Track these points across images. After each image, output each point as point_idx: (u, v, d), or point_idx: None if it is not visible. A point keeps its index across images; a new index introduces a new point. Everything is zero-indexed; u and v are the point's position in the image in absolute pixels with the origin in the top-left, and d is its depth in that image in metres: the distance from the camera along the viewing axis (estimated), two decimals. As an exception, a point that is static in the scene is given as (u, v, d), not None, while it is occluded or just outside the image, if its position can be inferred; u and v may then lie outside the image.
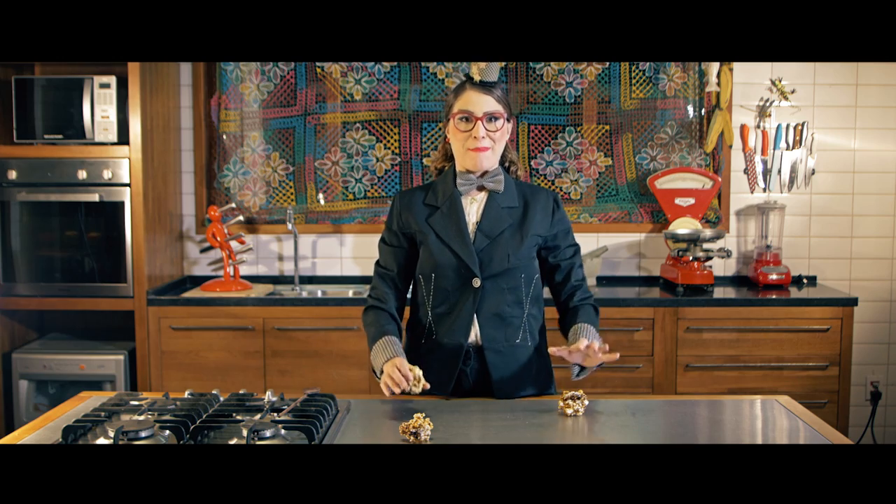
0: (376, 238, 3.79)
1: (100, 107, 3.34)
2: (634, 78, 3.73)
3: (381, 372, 1.91)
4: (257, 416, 1.71)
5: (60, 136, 3.36)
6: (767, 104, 3.72)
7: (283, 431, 1.60)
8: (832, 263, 3.80)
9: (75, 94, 3.34)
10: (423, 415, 1.68)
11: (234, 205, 3.75)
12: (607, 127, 3.75)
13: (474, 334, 1.99)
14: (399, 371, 1.84)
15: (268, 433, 1.57)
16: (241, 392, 1.90)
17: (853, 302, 3.31)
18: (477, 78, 1.94)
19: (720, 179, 3.69)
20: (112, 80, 3.34)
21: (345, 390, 3.21)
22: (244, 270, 3.83)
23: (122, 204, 3.35)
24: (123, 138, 3.37)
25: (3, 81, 3.46)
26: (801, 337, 3.31)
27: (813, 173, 3.76)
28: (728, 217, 3.79)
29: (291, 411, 1.72)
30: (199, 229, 3.82)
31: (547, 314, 2.11)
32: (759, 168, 3.77)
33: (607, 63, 3.72)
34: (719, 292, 3.49)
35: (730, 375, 3.32)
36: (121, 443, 1.53)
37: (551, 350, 1.89)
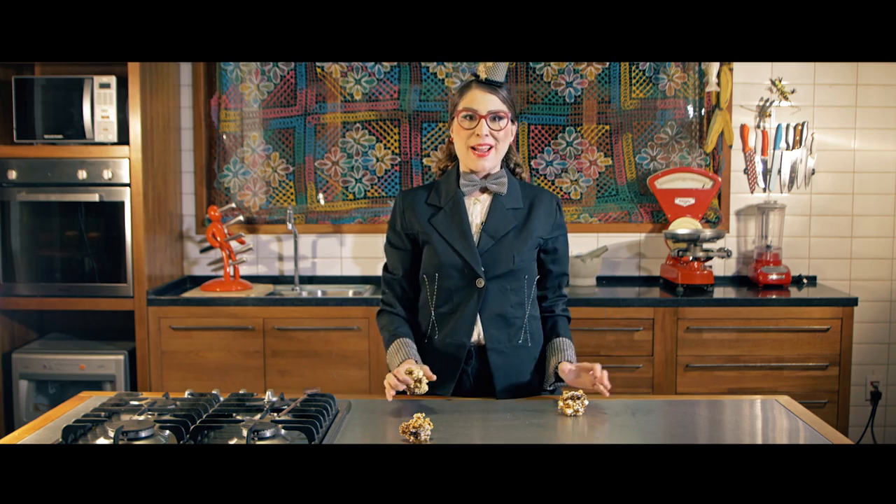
0: (376, 238, 3.81)
1: (100, 107, 3.34)
2: (634, 78, 3.73)
3: None
4: (257, 416, 1.71)
5: (60, 136, 3.36)
6: (767, 104, 3.72)
7: (283, 431, 1.60)
8: (832, 263, 3.80)
9: (75, 94, 3.34)
10: (423, 415, 1.68)
11: (234, 205, 3.75)
12: (607, 127, 3.75)
13: (477, 334, 1.99)
14: (396, 378, 1.85)
15: (268, 433, 1.57)
16: (241, 392, 1.90)
17: (853, 302, 3.31)
18: (483, 76, 1.94)
19: (720, 179, 3.69)
20: (112, 80, 3.34)
21: (345, 390, 3.21)
22: (244, 270, 3.83)
23: (122, 204, 3.35)
24: (123, 138, 3.37)
25: (3, 81, 3.46)
26: (801, 337, 3.31)
27: (813, 173, 3.76)
28: (728, 217, 3.79)
29: (291, 411, 1.72)
30: (199, 229, 3.82)
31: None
32: (759, 168, 3.77)
33: (607, 63, 3.72)
34: (719, 292, 3.50)
35: (730, 375, 3.32)
36: (121, 443, 1.53)
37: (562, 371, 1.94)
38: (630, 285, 3.71)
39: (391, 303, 2.08)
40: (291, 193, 3.81)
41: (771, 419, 1.84)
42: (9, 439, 1.70)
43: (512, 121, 1.99)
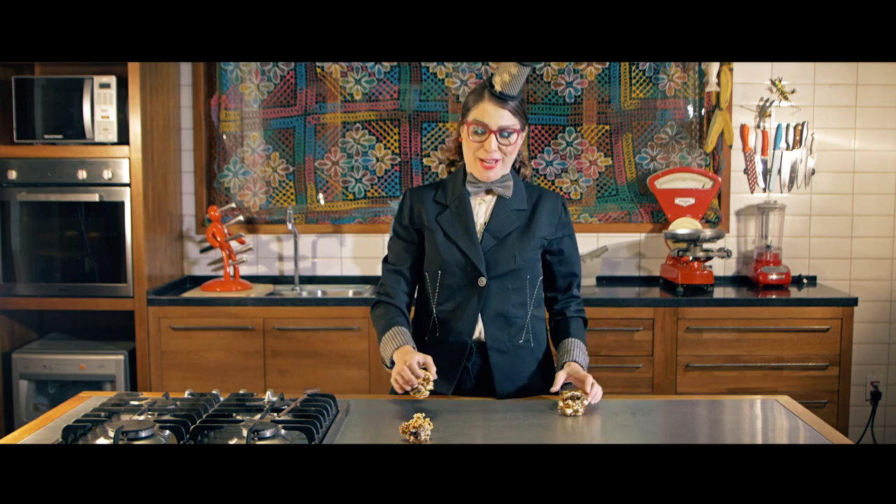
0: (376, 238, 3.81)
1: (100, 107, 3.34)
2: (634, 78, 3.73)
3: (391, 361, 1.91)
4: (257, 416, 1.71)
5: (60, 136, 3.36)
6: (767, 104, 3.72)
7: (283, 431, 1.60)
8: (832, 263, 3.80)
9: (75, 94, 3.34)
10: (423, 415, 1.68)
11: (234, 205, 3.75)
12: (607, 127, 3.75)
13: (478, 333, 1.99)
14: (410, 371, 1.82)
15: (268, 433, 1.57)
16: (241, 392, 1.90)
17: (853, 302, 3.31)
18: (497, 89, 1.90)
19: (720, 179, 3.69)
20: (112, 80, 3.34)
21: (345, 390, 3.21)
22: (244, 270, 3.83)
23: (122, 204, 3.35)
24: (123, 138, 3.37)
25: (3, 81, 3.46)
26: (801, 337, 3.31)
27: (813, 173, 3.76)
28: (728, 217, 3.79)
29: (291, 411, 1.72)
30: (199, 229, 3.82)
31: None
32: (759, 168, 3.77)
33: (607, 63, 3.72)
34: (719, 292, 3.50)
35: (730, 375, 3.32)
36: (121, 443, 1.53)
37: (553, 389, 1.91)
38: (630, 285, 3.71)
39: (390, 293, 2.06)
40: (291, 193, 3.81)
41: (771, 419, 1.84)
42: (9, 439, 1.70)
43: (522, 130, 1.98)
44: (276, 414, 1.72)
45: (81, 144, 3.36)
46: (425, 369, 1.83)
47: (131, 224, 3.35)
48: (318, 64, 3.76)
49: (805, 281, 3.75)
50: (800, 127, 3.73)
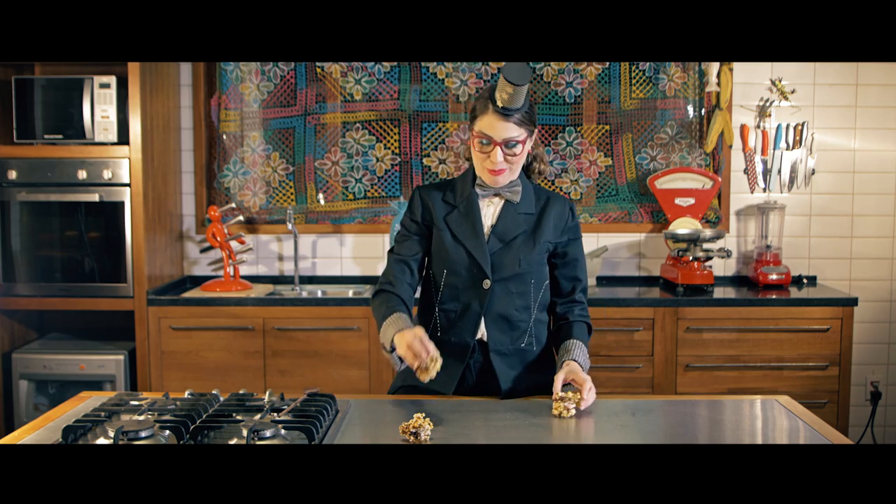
0: (376, 238, 3.81)
1: (100, 107, 3.34)
2: (634, 78, 3.73)
3: (392, 346, 1.85)
4: (257, 416, 1.71)
5: (60, 136, 3.36)
6: (767, 104, 3.72)
7: (283, 431, 1.60)
8: (832, 263, 3.80)
9: (75, 94, 3.34)
10: (423, 415, 1.68)
11: (234, 205, 3.75)
12: (607, 127, 3.75)
13: (481, 333, 2.00)
14: (421, 343, 1.77)
15: (268, 433, 1.57)
16: (241, 392, 1.90)
17: (853, 302, 3.31)
18: (499, 105, 1.87)
19: (720, 179, 3.69)
20: (112, 80, 3.34)
21: (345, 390, 3.21)
22: (244, 270, 3.83)
23: (122, 204, 3.35)
24: (123, 138, 3.37)
25: (3, 81, 3.46)
26: (801, 337, 3.31)
27: (813, 173, 3.76)
28: (728, 217, 3.79)
29: (291, 411, 1.72)
30: (199, 229, 3.82)
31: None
32: (759, 168, 3.77)
33: (607, 63, 3.72)
34: (719, 292, 3.49)
35: (730, 375, 3.32)
36: (121, 443, 1.53)
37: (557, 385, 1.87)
38: (630, 285, 3.71)
39: (393, 282, 2.01)
40: (291, 193, 3.81)
41: (771, 419, 1.84)
42: (9, 439, 1.70)
43: (530, 135, 1.96)
44: (276, 414, 1.72)
45: (81, 144, 3.36)
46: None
47: (131, 224, 3.35)
48: (318, 64, 3.76)
49: (805, 281, 3.75)
50: (800, 127, 3.73)
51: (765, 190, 3.77)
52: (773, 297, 3.38)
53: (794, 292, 3.50)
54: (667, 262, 3.66)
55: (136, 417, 1.70)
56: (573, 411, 1.81)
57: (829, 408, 3.31)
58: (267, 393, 1.83)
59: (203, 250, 3.80)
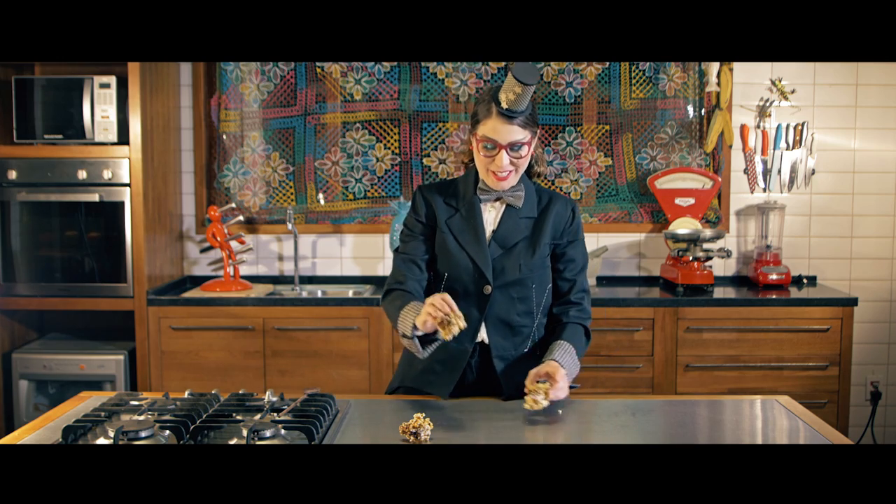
0: (376, 238, 3.81)
1: (100, 107, 3.34)
2: (634, 78, 3.73)
3: (412, 330, 1.81)
4: (257, 416, 1.71)
5: (60, 136, 3.36)
6: (767, 104, 3.72)
7: (283, 431, 1.60)
8: (832, 263, 3.80)
9: (75, 94, 3.34)
10: (423, 415, 1.68)
11: (234, 205, 3.75)
12: (607, 127, 3.75)
13: (481, 337, 1.99)
14: (443, 301, 1.74)
15: (268, 433, 1.57)
16: (241, 392, 1.90)
17: (853, 302, 3.31)
18: (504, 106, 1.84)
19: (720, 179, 3.69)
20: (112, 80, 3.34)
21: (345, 390, 3.21)
22: (244, 270, 3.83)
23: (122, 204, 3.35)
24: (123, 138, 3.37)
25: (3, 81, 3.46)
26: (801, 337, 3.31)
27: (813, 173, 3.76)
28: (728, 217, 3.79)
29: (291, 411, 1.72)
30: (199, 229, 3.82)
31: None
32: (759, 168, 3.77)
33: (607, 63, 3.72)
34: (719, 292, 3.49)
35: (730, 375, 3.32)
36: (121, 443, 1.53)
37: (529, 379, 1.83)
38: (630, 285, 3.71)
39: (403, 281, 1.98)
40: (291, 193, 3.81)
41: (771, 419, 1.84)
42: (9, 439, 1.70)
43: (535, 133, 1.93)
44: (276, 414, 1.72)
45: (81, 144, 3.36)
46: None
47: (131, 224, 3.35)
48: (318, 64, 3.76)
49: (805, 281, 3.75)
50: (800, 127, 3.73)
51: (765, 190, 3.77)
52: (773, 297, 3.38)
53: (794, 292, 3.50)
54: (667, 262, 3.66)
55: (136, 417, 1.70)
56: (543, 403, 1.76)
57: (829, 408, 3.31)
58: (267, 393, 1.83)
59: (203, 250, 3.80)
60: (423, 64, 3.74)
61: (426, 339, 1.85)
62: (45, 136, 3.37)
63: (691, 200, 3.65)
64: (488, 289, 1.95)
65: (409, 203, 2.33)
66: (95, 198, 3.35)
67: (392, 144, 3.77)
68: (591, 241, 3.79)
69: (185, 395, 1.89)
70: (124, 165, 3.34)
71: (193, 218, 3.82)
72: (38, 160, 3.35)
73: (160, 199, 3.53)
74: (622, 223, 3.79)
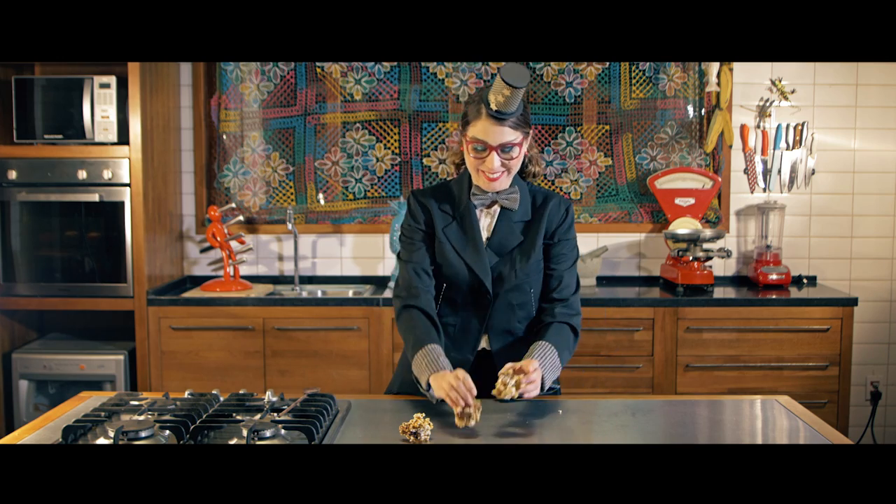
0: (376, 238, 3.81)
1: (100, 107, 3.34)
2: (634, 78, 3.73)
3: (427, 385, 1.81)
4: (257, 416, 1.71)
5: (60, 136, 3.36)
6: (767, 104, 3.72)
7: (283, 431, 1.60)
8: (832, 263, 3.80)
9: (75, 94, 3.34)
10: (423, 415, 1.68)
11: (234, 205, 3.75)
12: (607, 127, 3.75)
13: (483, 344, 1.98)
14: (464, 385, 1.73)
15: (268, 433, 1.57)
16: (241, 392, 1.90)
17: (853, 302, 3.31)
18: (493, 108, 1.81)
19: (720, 179, 3.69)
20: (112, 80, 3.34)
21: (345, 390, 3.21)
22: (244, 270, 3.83)
23: (122, 204, 3.35)
24: (123, 138, 3.37)
25: (3, 81, 3.46)
26: (801, 337, 3.31)
27: (813, 173, 3.76)
28: (728, 217, 3.79)
29: (291, 411, 1.72)
30: (199, 229, 3.82)
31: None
32: (759, 168, 3.77)
33: (607, 63, 3.72)
34: (719, 292, 3.49)
35: (730, 375, 3.32)
36: (121, 443, 1.53)
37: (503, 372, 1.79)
38: (630, 285, 3.71)
39: (416, 294, 1.93)
40: (291, 193, 3.81)
41: (771, 419, 1.84)
42: (9, 439, 1.70)
43: (527, 134, 1.90)
44: (276, 414, 1.72)
45: (81, 144, 3.36)
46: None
47: (131, 224, 3.35)
48: (318, 64, 3.76)
49: (805, 281, 3.75)
50: (800, 127, 3.73)
51: (765, 190, 3.77)
52: (773, 297, 3.38)
53: (794, 292, 3.50)
54: (667, 262, 3.66)
55: (136, 417, 1.70)
56: (513, 391, 1.72)
57: (829, 408, 3.31)
58: (267, 393, 1.83)
59: (203, 250, 3.80)
60: (423, 64, 3.74)
61: None
62: (45, 136, 3.37)
63: (691, 200, 3.65)
64: (488, 298, 1.94)
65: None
66: (95, 198, 3.35)
67: (392, 144, 3.77)
68: (591, 241, 3.79)
69: (185, 395, 1.89)
70: (124, 165, 3.34)
71: (193, 218, 3.82)
72: (38, 160, 3.35)
73: (160, 199, 3.53)
74: (622, 223, 3.79)
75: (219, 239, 3.59)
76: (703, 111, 3.74)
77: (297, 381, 3.31)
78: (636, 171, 3.77)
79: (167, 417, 1.68)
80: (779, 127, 3.74)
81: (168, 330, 3.35)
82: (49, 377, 3.38)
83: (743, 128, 3.74)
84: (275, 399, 1.82)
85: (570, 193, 3.78)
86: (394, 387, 2.11)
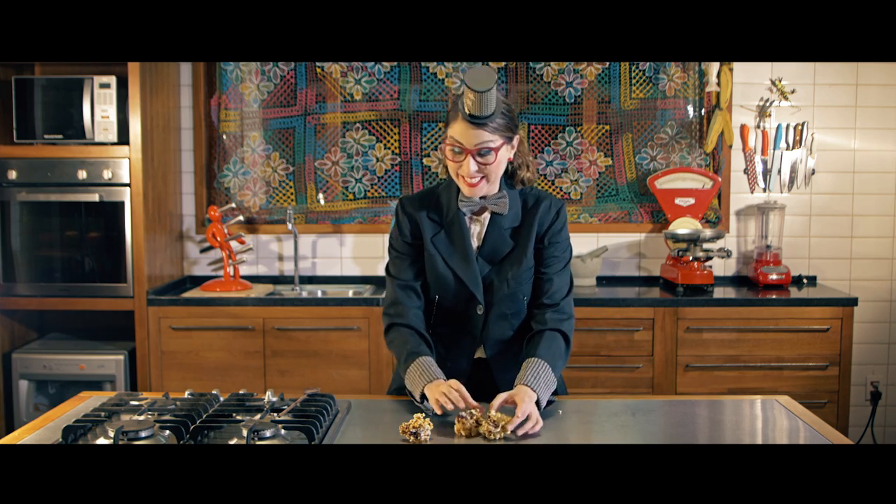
0: (376, 238, 3.81)
1: (100, 107, 3.34)
2: (634, 78, 3.73)
3: (422, 396, 1.81)
4: (257, 416, 1.71)
5: (60, 136, 3.36)
6: (767, 104, 3.72)
7: (283, 431, 1.60)
8: (832, 263, 3.80)
9: (75, 94, 3.34)
10: (423, 415, 1.68)
11: (234, 205, 3.75)
12: (607, 127, 3.75)
13: (479, 354, 1.97)
14: (457, 392, 1.73)
15: (268, 433, 1.57)
16: (241, 392, 1.90)
17: (853, 302, 3.31)
18: (467, 112, 1.77)
19: (720, 179, 3.69)
20: (112, 80, 3.34)
21: (345, 390, 3.21)
22: (244, 270, 3.83)
23: (122, 204, 3.35)
24: (123, 138, 3.37)
25: (3, 81, 3.46)
26: (801, 337, 3.31)
27: (813, 173, 3.76)
28: (728, 217, 3.79)
29: (291, 411, 1.72)
30: (199, 229, 3.82)
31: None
32: (759, 168, 3.77)
33: (607, 63, 3.72)
34: (719, 292, 3.49)
35: (730, 375, 3.32)
36: (121, 443, 1.53)
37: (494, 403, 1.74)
38: (630, 285, 3.71)
39: (402, 313, 1.94)
40: (291, 193, 3.81)
41: (771, 419, 1.84)
42: (9, 439, 1.70)
43: (509, 140, 1.85)
44: (276, 414, 1.72)
45: (81, 144, 3.36)
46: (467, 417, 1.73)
47: (131, 224, 3.35)
48: (318, 64, 3.76)
49: (805, 281, 3.75)
50: (800, 127, 3.73)
51: (765, 190, 3.77)
52: (773, 297, 3.38)
53: (794, 292, 3.50)
54: (667, 262, 3.66)
55: (136, 417, 1.70)
56: (498, 435, 1.65)
57: (829, 408, 3.31)
58: (267, 393, 1.83)
59: (203, 250, 3.80)
60: (423, 64, 3.74)
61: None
62: (45, 136, 3.37)
63: (691, 200, 3.65)
64: (480, 309, 1.92)
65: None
66: (95, 198, 3.35)
67: (392, 144, 3.77)
68: (591, 241, 3.79)
69: (185, 395, 1.89)
70: (124, 165, 3.34)
71: (193, 218, 3.82)
72: (38, 160, 3.35)
73: (160, 199, 3.53)
74: (622, 223, 3.79)
75: (219, 239, 3.59)
76: (703, 111, 3.74)
77: (297, 381, 3.31)
78: (636, 171, 3.77)
79: (167, 417, 1.68)
80: (779, 127, 3.74)
81: (168, 330, 3.35)
82: (49, 377, 3.38)
83: (743, 128, 3.74)
84: (275, 399, 1.82)
85: (570, 194, 3.78)
86: (394, 386, 2.11)
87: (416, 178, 3.78)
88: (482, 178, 1.84)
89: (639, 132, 3.76)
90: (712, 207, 3.75)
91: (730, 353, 3.31)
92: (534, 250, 1.94)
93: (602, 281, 3.76)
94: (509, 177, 1.97)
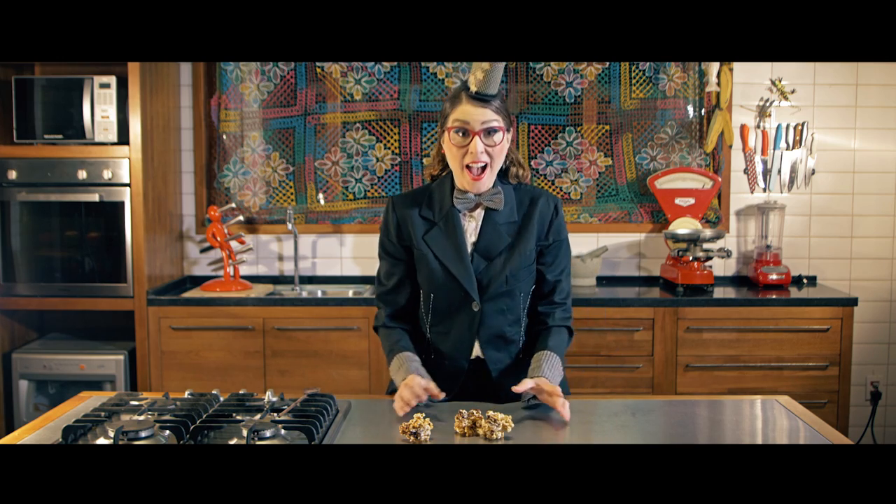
0: (376, 238, 3.78)
1: (100, 107, 3.34)
2: (634, 78, 3.73)
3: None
4: (257, 416, 1.71)
5: (60, 136, 3.36)
6: (767, 104, 3.72)
7: (283, 431, 1.60)
8: (832, 263, 3.80)
9: (75, 94, 3.34)
10: (423, 415, 1.68)
11: (234, 205, 3.75)
12: (607, 127, 3.76)
13: (476, 353, 1.97)
14: (411, 391, 1.80)
15: (268, 433, 1.56)
16: (241, 392, 1.90)
17: (853, 302, 3.31)
18: (473, 89, 1.80)
19: (720, 179, 3.69)
20: (112, 80, 3.34)
21: (345, 390, 3.21)
22: (244, 270, 3.83)
23: (122, 204, 3.35)
24: (123, 138, 3.38)
25: (3, 81, 3.46)
26: (801, 337, 3.31)
27: (813, 173, 3.76)
28: (728, 217, 3.79)
29: (291, 411, 1.72)
30: (199, 229, 3.82)
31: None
32: (759, 168, 3.77)
33: (607, 63, 3.72)
34: (719, 292, 3.50)
35: (730, 375, 3.32)
36: (121, 443, 1.53)
37: (515, 389, 1.79)
38: (630, 285, 3.71)
39: (384, 320, 2.01)
40: (291, 193, 3.81)
41: (771, 419, 1.84)
42: (9, 439, 1.70)
43: (507, 130, 1.88)
44: (276, 414, 1.71)
45: (81, 144, 3.36)
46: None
47: (131, 224, 3.35)
48: (318, 64, 3.76)
49: (805, 281, 3.75)
50: (800, 127, 3.73)
51: (765, 190, 3.77)
52: (773, 297, 3.38)
53: (794, 292, 3.50)
54: (667, 262, 3.66)
55: (136, 417, 1.70)
56: (499, 434, 1.66)
57: (829, 408, 3.31)
58: (267, 393, 1.83)
59: (203, 250, 3.80)
60: (423, 64, 3.74)
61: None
62: (45, 136, 3.37)
63: (691, 200, 3.65)
64: (476, 305, 1.91)
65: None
66: (95, 198, 3.35)
67: (392, 144, 3.77)
68: (591, 241, 3.79)
69: (185, 395, 1.89)
70: (124, 165, 3.34)
71: (193, 218, 3.82)
72: (38, 160, 3.35)
73: (160, 199, 3.53)
74: (622, 223, 3.79)
75: (219, 239, 3.59)
76: (703, 111, 3.74)
77: (297, 381, 3.31)
78: (636, 171, 3.77)
79: (167, 417, 1.68)
80: (779, 127, 3.74)
81: (168, 330, 3.35)
82: (49, 377, 3.38)
83: (743, 128, 3.74)
84: (275, 399, 1.82)
85: (570, 194, 3.78)
86: (393, 387, 2.11)
87: (415, 178, 3.78)
88: (486, 166, 1.85)
89: (639, 132, 3.76)
90: (712, 207, 3.75)
91: (730, 353, 3.31)
92: (537, 248, 1.95)
93: (602, 281, 3.76)
94: (503, 173, 1.98)
